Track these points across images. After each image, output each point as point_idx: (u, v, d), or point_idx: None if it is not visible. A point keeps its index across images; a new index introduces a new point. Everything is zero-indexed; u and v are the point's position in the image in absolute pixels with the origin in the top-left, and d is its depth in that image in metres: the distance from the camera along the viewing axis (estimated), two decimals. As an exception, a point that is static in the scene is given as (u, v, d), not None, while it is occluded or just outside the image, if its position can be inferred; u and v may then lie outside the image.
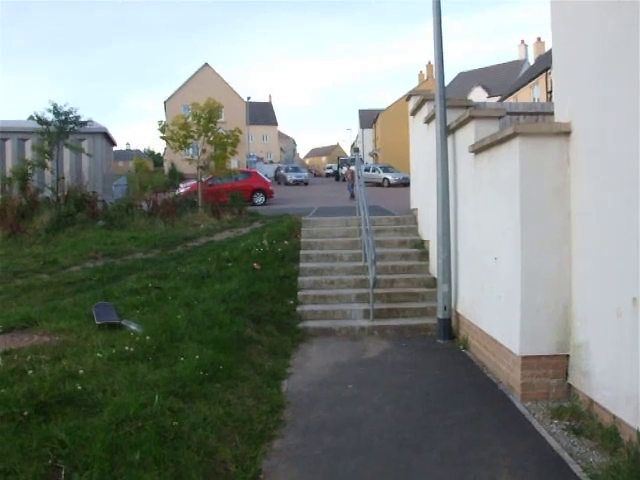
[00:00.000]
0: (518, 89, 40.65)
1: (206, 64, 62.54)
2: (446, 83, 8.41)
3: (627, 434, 4.41)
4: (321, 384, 6.35)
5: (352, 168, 36.19)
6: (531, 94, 37.53)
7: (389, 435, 4.94)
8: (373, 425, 5.16)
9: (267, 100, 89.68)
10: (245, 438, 4.69)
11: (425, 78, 62.23)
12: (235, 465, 4.25)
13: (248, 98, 61.24)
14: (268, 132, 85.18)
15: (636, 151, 4.37)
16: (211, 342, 6.36)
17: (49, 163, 18.57)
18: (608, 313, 4.76)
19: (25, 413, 4.09)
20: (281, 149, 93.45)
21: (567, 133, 5.51)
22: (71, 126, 18.53)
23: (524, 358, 5.65)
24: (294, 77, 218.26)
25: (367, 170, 40.12)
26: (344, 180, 37.06)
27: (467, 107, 8.18)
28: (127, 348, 5.89)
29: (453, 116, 7.86)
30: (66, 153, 19.84)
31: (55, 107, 18.17)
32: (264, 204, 24.86)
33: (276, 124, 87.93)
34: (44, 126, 18.20)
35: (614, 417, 4.66)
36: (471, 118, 7.14)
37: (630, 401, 4.43)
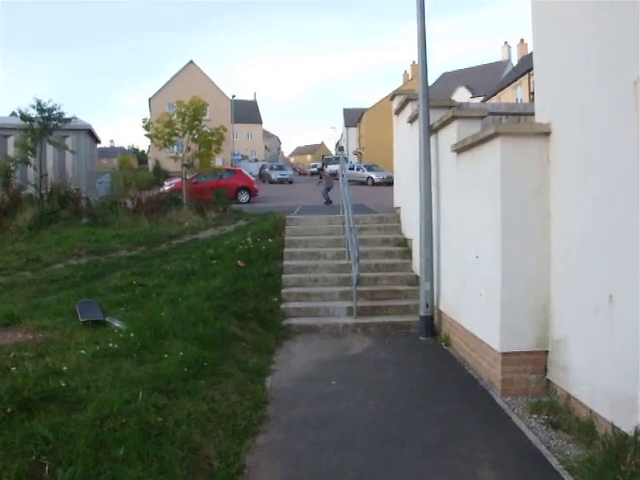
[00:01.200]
0: (501, 90, 41.00)
1: (191, 62, 62.23)
2: (430, 83, 8.50)
3: (603, 427, 4.52)
4: (304, 380, 6.41)
5: (330, 168, 35.60)
6: (514, 95, 37.87)
7: (372, 430, 5.01)
8: (356, 420, 5.21)
9: (252, 98, 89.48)
10: (229, 434, 4.72)
11: (410, 78, 62.43)
12: (219, 460, 4.29)
13: (233, 96, 61.11)
14: (253, 130, 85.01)
15: (614, 152, 4.48)
16: (195, 339, 6.38)
17: (32, 160, 18.41)
18: (586, 310, 4.87)
19: (8, 410, 4.08)
20: (266, 147, 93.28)
21: (547, 133, 5.61)
22: (55, 123, 18.39)
23: (504, 354, 5.75)
24: (279, 76, 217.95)
25: (351, 169, 40.26)
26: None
27: (450, 107, 8.26)
28: (111, 345, 5.90)
29: (436, 116, 7.94)
30: (49, 150, 19.69)
31: (39, 103, 18.03)
32: (248, 202, 24.86)
33: (261, 122, 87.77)
34: (27, 122, 18.05)
35: (591, 411, 4.78)
36: (454, 118, 7.23)
37: (606, 396, 4.54)
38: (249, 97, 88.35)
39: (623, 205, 4.35)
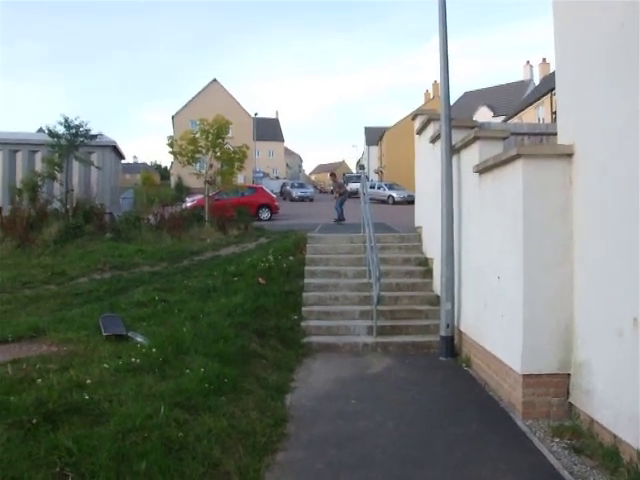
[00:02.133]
0: (523, 109, 40.89)
1: (214, 80, 63.21)
2: (452, 102, 8.54)
3: (627, 453, 4.45)
4: (324, 398, 6.40)
5: (351, 186, 34.03)
6: (536, 114, 37.74)
7: (391, 450, 4.99)
8: (376, 440, 5.20)
9: (274, 116, 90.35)
10: (249, 450, 4.74)
11: (431, 97, 62.64)
12: (239, 476, 4.31)
13: (255, 114, 61.83)
14: (274, 148, 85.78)
15: (637, 174, 4.46)
16: (216, 355, 6.43)
17: (59, 175, 18.82)
18: (609, 332, 4.82)
19: (34, 421, 4.17)
20: (287, 165, 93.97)
21: (570, 155, 5.61)
22: (81, 139, 18.79)
23: (526, 376, 5.70)
24: (301, 93, 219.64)
25: (372, 187, 40.30)
26: (349, 197, 35.68)
27: (472, 127, 8.30)
28: (133, 359, 5.97)
29: (458, 136, 7.98)
30: (75, 165, 20.09)
31: (66, 120, 18.45)
32: (270, 219, 25.02)
33: (282, 140, 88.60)
34: (55, 139, 18.46)
35: (615, 436, 4.70)
36: (476, 139, 7.26)
37: (631, 421, 4.47)
38: (271, 115, 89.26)
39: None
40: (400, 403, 6.23)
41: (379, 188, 42.13)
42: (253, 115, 61.90)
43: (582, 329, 5.42)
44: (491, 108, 52.02)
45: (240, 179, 30.69)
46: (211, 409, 5.21)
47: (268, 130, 79.92)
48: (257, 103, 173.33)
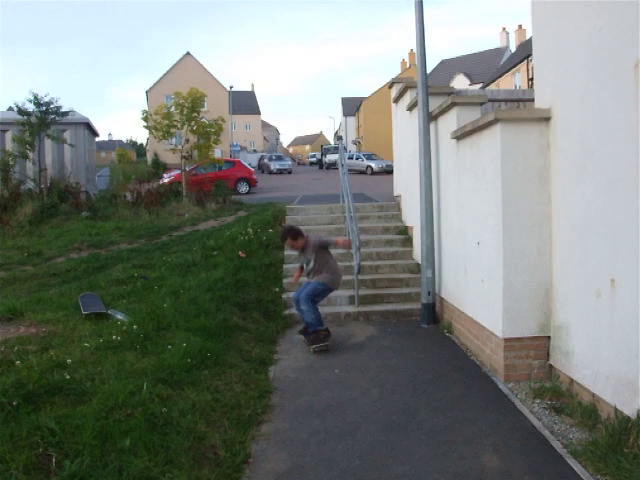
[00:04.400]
0: (500, 76, 40.92)
1: (188, 53, 61.88)
2: (428, 71, 8.45)
3: (605, 411, 4.54)
4: (308, 369, 6.43)
5: (329, 158, 32.99)
6: (513, 81, 37.78)
7: (376, 417, 5.03)
8: (360, 408, 5.24)
9: (250, 89, 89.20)
10: (234, 423, 4.74)
11: (407, 66, 62.22)
12: (224, 450, 4.31)
13: (230, 87, 60.79)
14: (251, 121, 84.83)
15: (613, 136, 4.47)
16: (198, 330, 6.40)
17: (31, 154, 18.42)
18: (588, 294, 4.88)
19: (14, 403, 4.10)
20: (264, 138, 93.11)
21: (547, 119, 5.59)
22: (52, 117, 18.39)
23: (507, 340, 5.76)
24: (277, 66, 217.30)
25: (350, 158, 40.15)
26: (328, 168, 35.95)
27: (449, 94, 8.24)
28: (114, 337, 5.91)
29: (435, 103, 7.92)
30: (48, 144, 19.68)
31: (36, 97, 18.02)
32: (248, 193, 24.85)
33: (259, 113, 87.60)
34: (25, 117, 18.03)
35: (593, 395, 4.80)
36: (453, 105, 7.20)
37: (608, 379, 4.56)
38: (247, 88, 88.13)
39: (623, 189, 4.34)
40: (383, 371, 6.27)
41: (357, 159, 41.92)
42: (228, 88, 60.95)
43: (561, 292, 5.48)
44: (468, 76, 51.93)
45: (217, 153, 30.36)
46: (194, 384, 5.20)
47: (244, 103, 78.90)
48: (232, 76, 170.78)
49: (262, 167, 47.31)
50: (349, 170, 14.46)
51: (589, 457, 4.05)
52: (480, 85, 42.74)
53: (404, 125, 10.45)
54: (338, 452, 4.40)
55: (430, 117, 8.04)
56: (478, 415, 4.99)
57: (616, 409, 4.33)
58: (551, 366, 5.70)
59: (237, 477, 4.03)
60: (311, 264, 7.33)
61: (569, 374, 5.29)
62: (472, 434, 4.61)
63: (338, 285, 7.55)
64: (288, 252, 10.37)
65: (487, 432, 4.65)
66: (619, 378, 4.42)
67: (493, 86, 39.40)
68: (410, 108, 9.52)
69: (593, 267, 4.81)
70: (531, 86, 26.70)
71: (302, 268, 7.61)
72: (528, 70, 32.32)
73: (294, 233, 7.44)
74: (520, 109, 6.27)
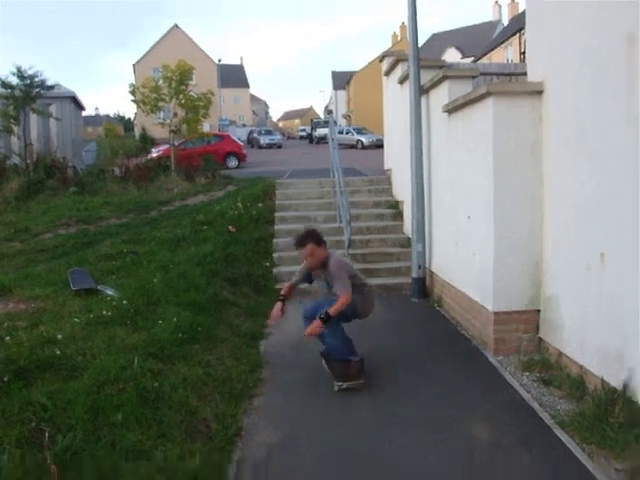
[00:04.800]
0: (492, 50, 40.65)
1: (176, 25, 60.83)
2: (420, 44, 8.34)
3: (593, 383, 4.60)
4: (299, 343, 6.41)
5: (319, 132, 32.04)
6: (505, 55, 37.55)
7: (367, 390, 5.06)
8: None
9: (239, 62, 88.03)
10: (225, 397, 4.76)
11: (399, 39, 61.56)
12: (216, 423, 4.32)
13: (219, 60, 60.03)
14: (240, 95, 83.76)
15: (605, 110, 4.45)
16: (188, 304, 6.39)
17: (16, 129, 18.12)
18: (577, 267, 4.91)
19: (5, 379, 4.09)
20: (254, 112, 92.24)
21: (540, 92, 5.55)
22: (37, 90, 18.06)
23: (497, 314, 5.80)
24: (266, 39, 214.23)
25: (340, 132, 39.86)
26: (318, 142, 35.73)
27: (441, 67, 8.15)
28: (104, 313, 5.89)
29: (427, 76, 7.84)
30: (33, 119, 19.38)
31: (19, 70, 17.67)
32: (237, 167, 24.64)
33: (248, 86, 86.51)
34: (8, 90, 17.69)
35: (581, 367, 4.85)
36: (445, 78, 7.14)
37: (596, 352, 4.61)
38: (236, 61, 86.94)
39: (615, 164, 4.34)
40: (374, 344, 6.30)
41: (347, 133, 41.63)
42: (217, 61, 60.09)
43: (551, 265, 5.51)
44: (459, 49, 51.56)
45: (206, 127, 30.02)
46: (185, 358, 5.20)
47: (233, 77, 77.82)
48: (221, 49, 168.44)
49: (251, 141, 46.90)
50: (339, 144, 14.40)
51: (576, 427, 4.11)
52: (472, 59, 42.38)
53: (395, 99, 10.37)
54: (330, 423, 4.44)
55: (421, 90, 7.97)
56: (468, 388, 5.05)
57: (603, 381, 4.38)
58: (540, 339, 5.75)
59: (229, 449, 4.05)
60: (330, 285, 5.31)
61: (558, 347, 5.34)
62: (462, 407, 4.66)
63: (369, 312, 5.58)
64: (278, 226, 10.36)
65: (477, 404, 4.70)
66: (607, 350, 4.46)
67: (485, 60, 39.11)
68: (401, 81, 9.44)
69: (584, 241, 4.83)
70: (523, 60, 26.54)
71: (293, 287, 5.70)
72: (520, 44, 32.04)
73: (317, 238, 5.21)
74: (512, 82, 6.22)
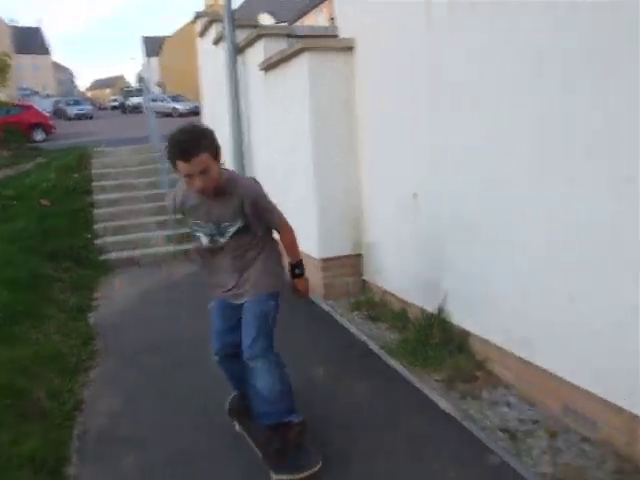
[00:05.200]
0: (304, 15, 41.43)
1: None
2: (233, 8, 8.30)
3: (413, 313, 5.08)
4: (130, 311, 6.28)
5: (132, 101, 30.10)
6: (316, 20, 38.53)
7: (203, 352, 5.08)
8: (186, 342, 5.23)
9: (36, 25, 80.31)
10: (59, 373, 4.53)
11: (211, 2, 60.16)
12: (51, 400, 4.10)
13: (11, 20, 54.31)
14: (40, 62, 76.72)
15: (406, 62, 4.81)
16: (4, 283, 5.92)
17: None
18: (393, 212, 5.34)
19: None
20: (58, 81, 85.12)
21: (351, 48, 5.84)
22: None
23: (324, 261, 6.11)
24: (69, 3, 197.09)
25: (155, 100, 38.29)
26: (131, 112, 33.80)
27: (255, 27, 8.17)
28: None
29: (242, 36, 7.83)
30: None
31: None
32: (45, 140, 22.77)
33: (49, 53, 79.49)
34: None
35: (404, 302, 5.33)
36: (260, 36, 7.19)
37: (416, 284, 5.07)
38: (32, 23, 79.18)
39: (422, 111, 4.73)
40: (204, 305, 6.30)
41: (162, 101, 40.06)
42: (8, 22, 54.30)
43: (371, 210, 5.91)
44: (272, 14, 51.77)
45: (2, 97, 27.21)
46: (7, 340, 4.83)
47: (30, 41, 70.85)
48: (14, 9, 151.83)
49: (58, 113, 43.26)
50: (155, 113, 13.95)
51: (402, 353, 4.54)
52: (285, 24, 42.94)
53: (211, 60, 10.21)
54: (168, 383, 4.43)
55: (237, 50, 7.96)
56: (302, 333, 5.26)
57: (422, 309, 4.87)
58: (364, 281, 6.18)
59: (68, 425, 3.87)
60: (229, 234, 3.12)
61: (381, 286, 5.80)
62: (298, 350, 4.85)
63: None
64: (98, 196, 9.87)
65: (312, 346, 4.97)
66: (425, 282, 4.93)
67: (297, 24, 39.83)
68: (216, 42, 9.32)
69: (398, 186, 5.24)
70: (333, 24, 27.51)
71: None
72: (331, 10, 33.10)
73: (214, 144, 2.98)
74: (326, 39, 6.46)
